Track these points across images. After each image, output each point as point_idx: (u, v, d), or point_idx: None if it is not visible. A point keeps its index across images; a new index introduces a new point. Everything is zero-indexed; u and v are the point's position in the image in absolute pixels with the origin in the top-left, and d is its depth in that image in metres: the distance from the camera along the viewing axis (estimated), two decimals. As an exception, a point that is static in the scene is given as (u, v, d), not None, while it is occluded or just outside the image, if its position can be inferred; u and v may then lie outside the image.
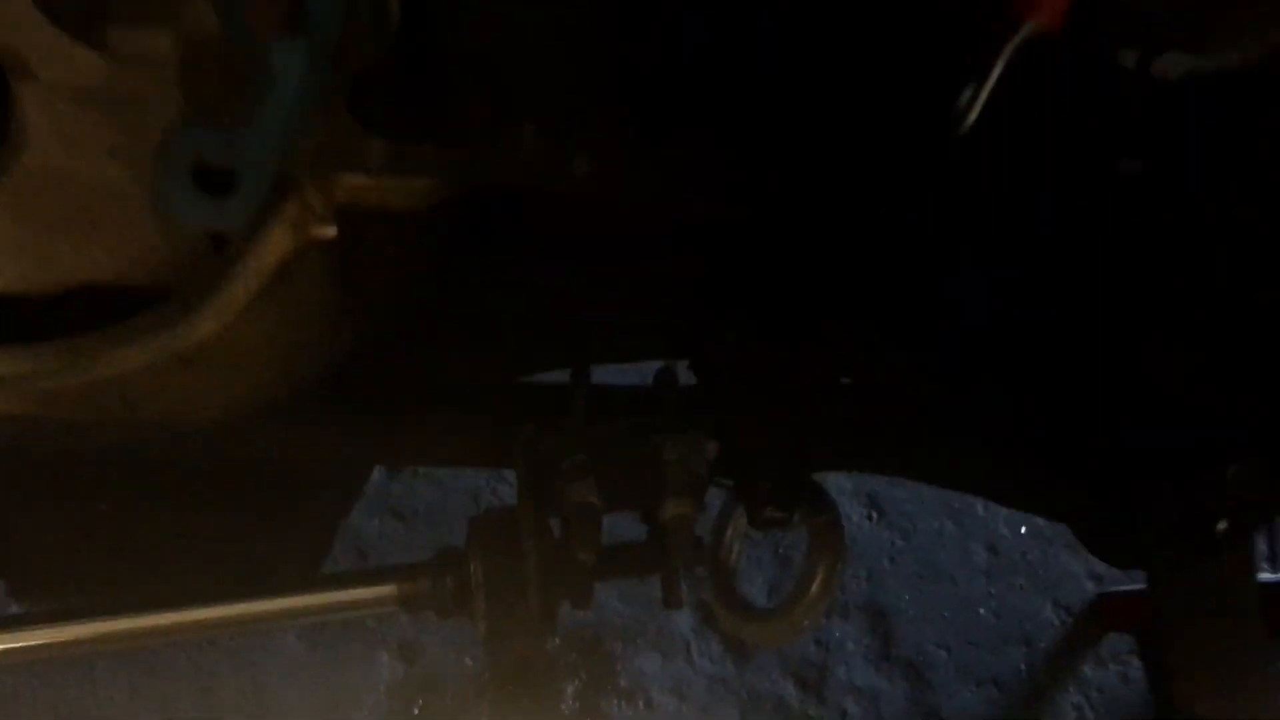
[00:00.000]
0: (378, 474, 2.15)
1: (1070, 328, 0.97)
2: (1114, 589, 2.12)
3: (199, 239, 0.65)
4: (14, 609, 1.13)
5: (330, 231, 0.64)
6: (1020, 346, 0.99)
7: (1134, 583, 2.13)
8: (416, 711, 1.96)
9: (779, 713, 2.07)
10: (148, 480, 1.07)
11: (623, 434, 1.01)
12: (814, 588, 1.14)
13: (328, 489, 1.18)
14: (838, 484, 2.23)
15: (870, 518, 2.28)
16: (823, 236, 0.94)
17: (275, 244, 0.63)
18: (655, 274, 1.02)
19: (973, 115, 0.74)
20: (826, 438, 1.07)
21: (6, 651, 0.97)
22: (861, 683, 2.04)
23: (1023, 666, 2.06)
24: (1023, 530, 2.28)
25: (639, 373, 1.11)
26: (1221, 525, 1.00)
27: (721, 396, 1.03)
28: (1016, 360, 0.99)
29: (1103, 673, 2.08)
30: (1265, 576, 1.75)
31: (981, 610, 2.14)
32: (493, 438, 1.03)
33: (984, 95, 0.72)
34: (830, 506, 1.08)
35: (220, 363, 0.73)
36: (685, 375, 1.09)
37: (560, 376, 1.08)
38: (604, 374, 1.08)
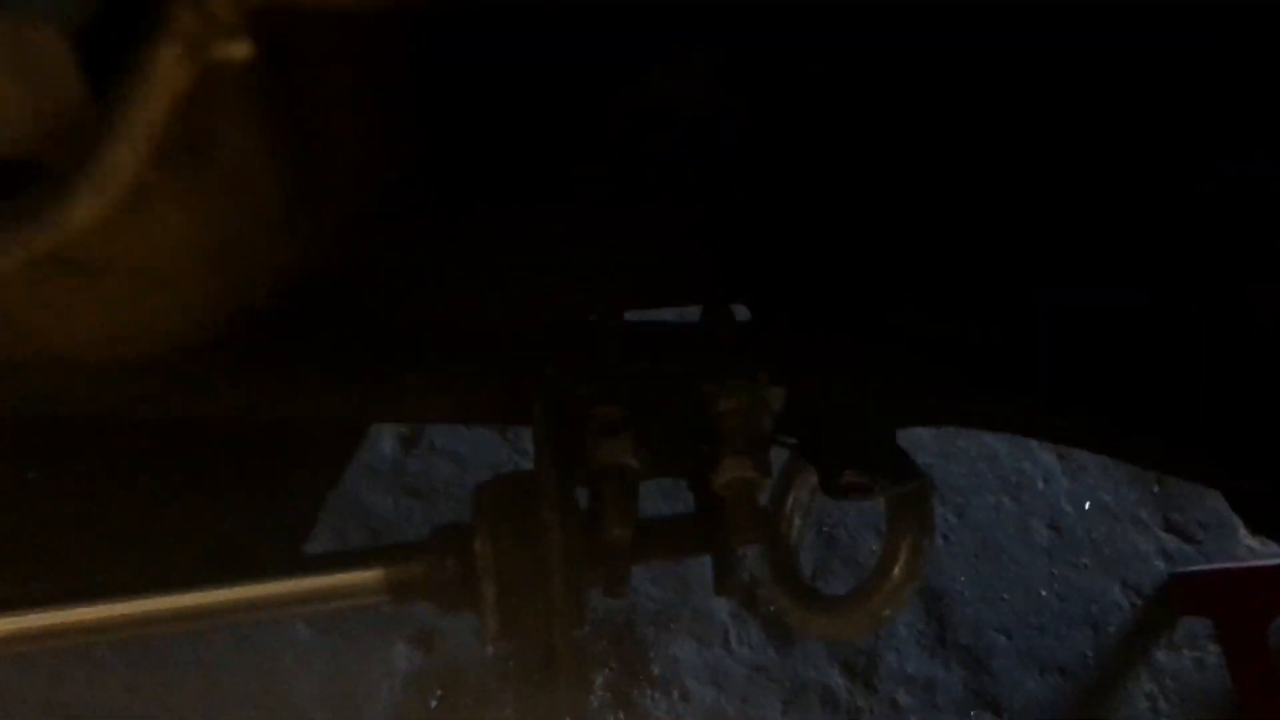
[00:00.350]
0: (390, 447, 2.03)
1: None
2: (1188, 569, 2.06)
3: (69, 85, 0.45)
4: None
5: (242, 50, 0.43)
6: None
7: (1209, 561, 2.08)
8: (435, 704, 1.81)
9: (825, 704, 1.96)
10: (90, 443, 0.88)
11: (666, 379, 0.80)
12: (897, 570, 0.94)
13: (310, 454, 0.99)
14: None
15: None
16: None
17: (165, 74, 0.42)
18: (706, 192, 0.81)
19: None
20: (919, 385, 0.86)
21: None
22: (915, 671, 1.95)
23: (1089, 653, 1.99)
24: (1087, 505, 2.18)
25: (682, 317, 0.91)
26: None
27: (787, 335, 0.83)
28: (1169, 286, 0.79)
29: (1177, 659, 1.98)
30: None
31: (1044, 592, 2.06)
32: (505, 387, 0.83)
33: None
34: (918, 472, 0.88)
35: (122, 269, 0.53)
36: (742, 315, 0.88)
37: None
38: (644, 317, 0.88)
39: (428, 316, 0.82)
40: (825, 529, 2.09)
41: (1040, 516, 2.16)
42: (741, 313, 0.88)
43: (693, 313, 0.89)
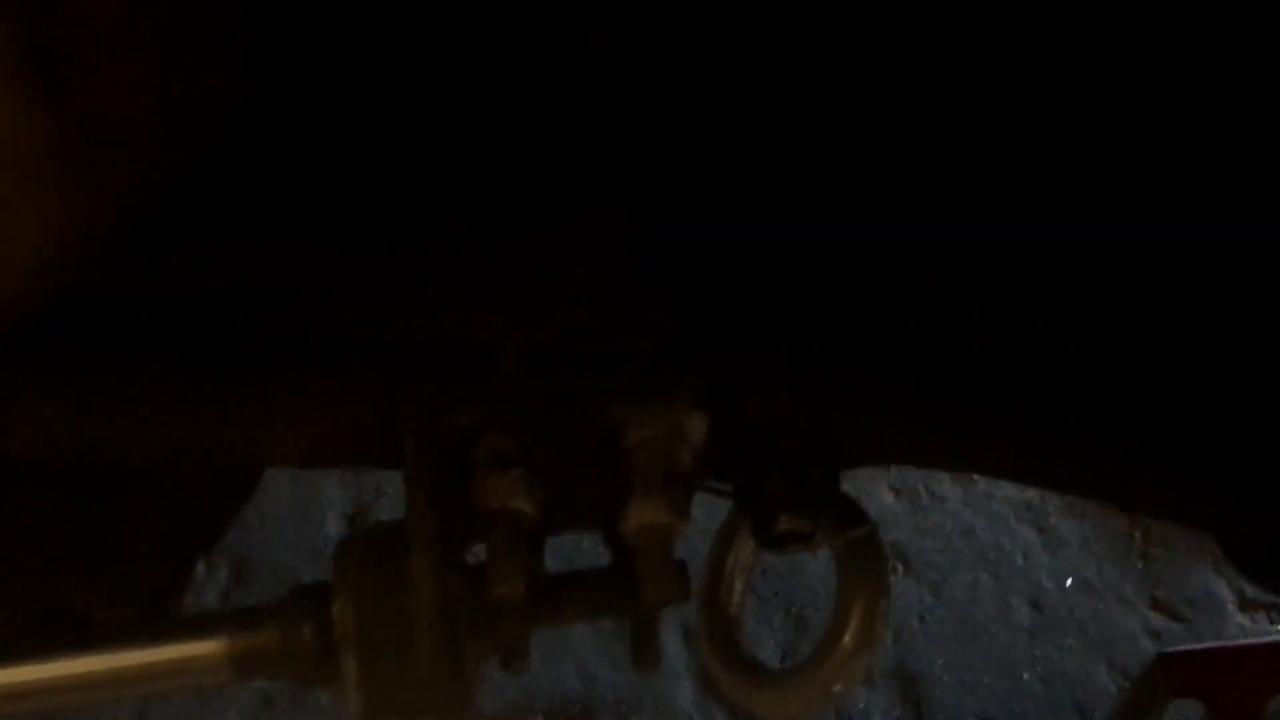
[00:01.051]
0: (335, 527, 1.94)
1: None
2: (1177, 648, 1.99)
3: None
4: None
5: None
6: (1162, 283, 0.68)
7: (1198, 640, 2.01)
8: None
9: (795, 800, 1.81)
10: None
11: (567, 403, 0.67)
12: (848, 637, 0.81)
13: (180, 504, 0.85)
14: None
15: (895, 571, 2.19)
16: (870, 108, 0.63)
17: None
18: (631, 181, 0.71)
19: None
20: (867, 413, 0.73)
21: None
22: (891, 762, 1.87)
23: (1077, 741, 1.94)
24: (1069, 582, 2.16)
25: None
26: None
27: (714, 351, 0.70)
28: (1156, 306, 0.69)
29: (1169, 745, 1.93)
30: None
31: (1026, 675, 1.99)
32: (377, 416, 0.70)
33: None
34: (866, 518, 0.75)
35: None
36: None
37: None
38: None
39: (282, 328, 0.69)
40: (794, 609, 2.03)
41: (1020, 594, 2.14)
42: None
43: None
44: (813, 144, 0.70)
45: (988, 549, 2.18)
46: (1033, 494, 2.22)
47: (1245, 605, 2.12)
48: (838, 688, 0.83)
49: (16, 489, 0.77)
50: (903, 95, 0.68)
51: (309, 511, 2.03)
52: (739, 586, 0.91)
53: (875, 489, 2.20)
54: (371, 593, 0.66)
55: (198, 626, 0.68)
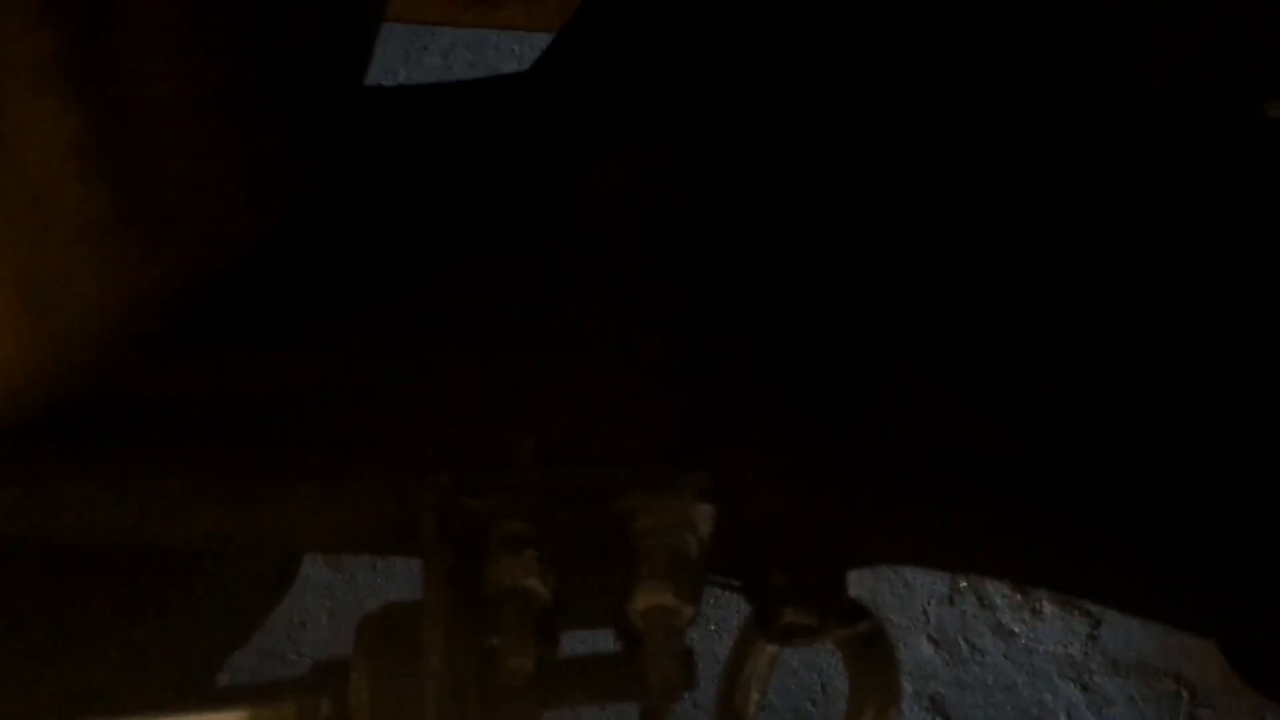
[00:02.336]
0: None
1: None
2: None
3: None
4: None
5: None
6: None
7: None
8: None
9: None
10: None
11: (578, 493, 0.71)
12: (859, 742, 0.81)
13: (217, 595, 0.89)
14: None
15: None
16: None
17: None
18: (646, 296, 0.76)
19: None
20: (868, 508, 0.76)
21: None
22: None
23: None
24: None
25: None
26: None
27: (718, 444, 0.74)
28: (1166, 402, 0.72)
29: None
30: None
31: None
32: (397, 506, 0.74)
33: None
34: (869, 614, 0.77)
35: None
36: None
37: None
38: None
39: (309, 422, 0.74)
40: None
41: None
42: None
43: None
44: (803, 256, 0.76)
45: (1029, 705, 2.11)
46: (1075, 649, 2.17)
47: (1295, 771, 2.04)
48: (849, 797, 0.83)
49: (53, 572, 0.81)
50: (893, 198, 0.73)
51: (345, 649, 2.05)
52: (755, 695, 0.92)
53: (914, 640, 2.16)
54: (386, 666, 0.69)
55: (219, 699, 0.71)
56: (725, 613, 1.99)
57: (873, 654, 0.80)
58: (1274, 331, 0.79)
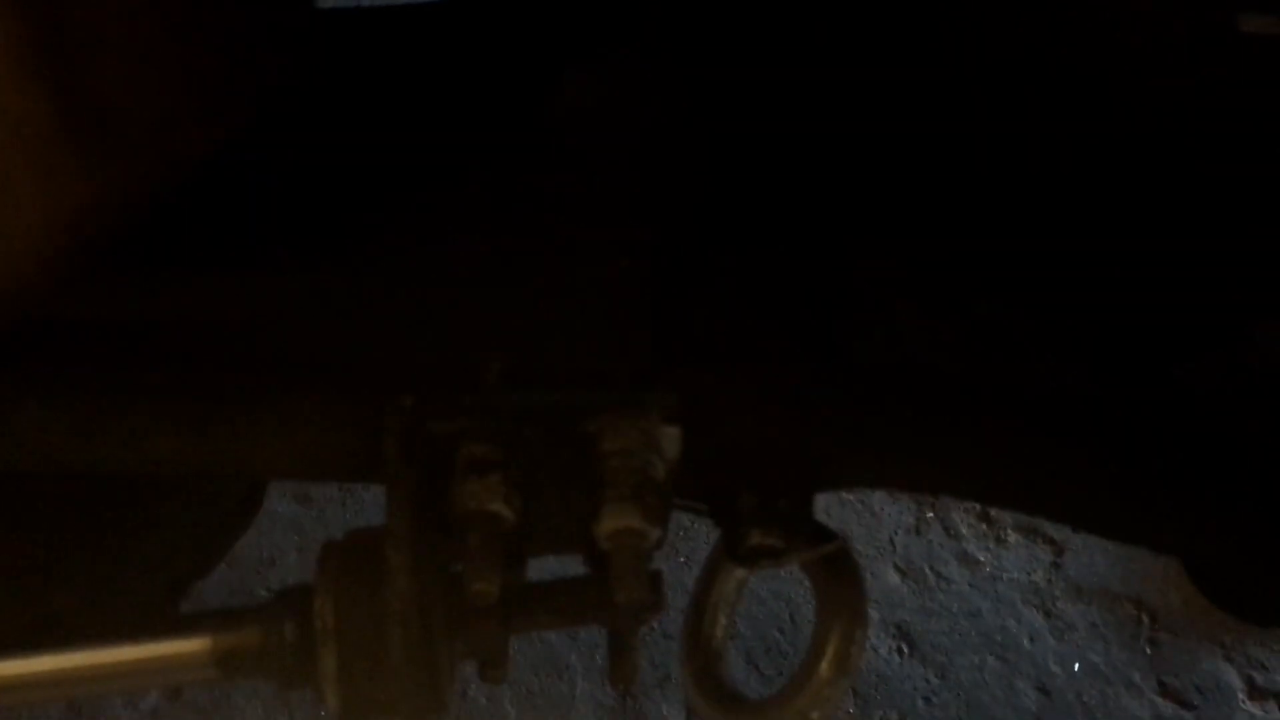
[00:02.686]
0: None
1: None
2: None
3: None
4: None
5: None
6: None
7: None
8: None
9: None
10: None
11: (545, 415, 0.70)
12: (824, 665, 0.81)
13: (178, 523, 0.87)
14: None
15: (900, 652, 2.12)
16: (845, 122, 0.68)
17: None
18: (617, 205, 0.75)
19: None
20: (836, 429, 0.76)
21: None
22: None
23: (1084, 830, 1.87)
24: (1076, 667, 2.13)
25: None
26: None
27: (688, 366, 0.73)
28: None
29: (1178, 838, 1.87)
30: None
31: None
32: (362, 430, 0.72)
33: None
34: (835, 535, 0.77)
35: None
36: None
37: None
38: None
39: (272, 346, 0.72)
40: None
41: (1027, 678, 2.09)
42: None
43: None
44: (777, 181, 0.74)
45: (994, 631, 2.14)
46: (1039, 577, 2.20)
47: (1254, 694, 2.09)
48: (814, 715, 0.83)
49: (15, 500, 0.80)
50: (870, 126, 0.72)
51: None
52: (723, 620, 0.92)
53: (881, 569, 2.18)
54: (350, 591, 0.68)
55: (181, 625, 0.70)
56: (694, 544, 2.00)
57: (839, 575, 0.80)
58: (1242, 251, 0.79)
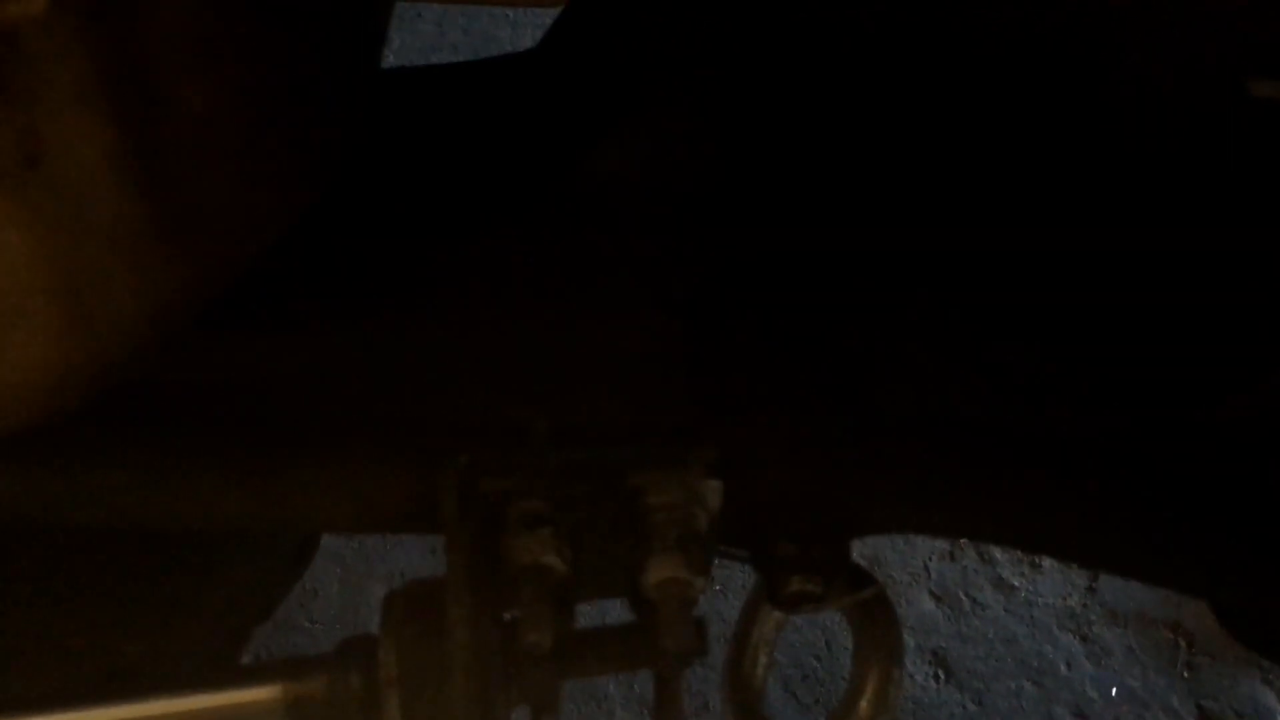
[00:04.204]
0: None
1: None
2: None
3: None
4: None
5: (36, 4, 0.39)
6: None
7: None
8: None
9: None
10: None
11: (592, 472, 0.74)
12: (864, 703, 0.84)
13: (237, 575, 0.91)
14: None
15: (936, 678, 2.12)
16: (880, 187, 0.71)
17: None
18: (654, 272, 0.79)
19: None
20: (870, 480, 0.79)
21: None
22: None
23: None
24: (1114, 692, 2.13)
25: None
26: None
27: (724, 419, 0.77)
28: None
29: None
30: None
31: None
32: (415, 486, 0.76)
33: None
34: (872, 579, 0.80)
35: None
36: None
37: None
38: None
39: (330, 406, 0.76)
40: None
41: (1065, 704, 2.09)
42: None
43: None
44: (801, 229, 0.78)
45: (1030, 657, 2.14)
46: (1075, 602, 2.21)
47: (1294, 714, 2.08)
48: (854, 755, 0.86)
49: (88, 555, 0.84)
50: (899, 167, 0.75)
51: (358, 614, 2.08)
52: (763, 659, 0.95)
53: (916, 595, 2.19)
54: (412, 640, 0.72)
55: (252, 675, 0.74)
56: (730, 574, 2.02)
57: (876, 617, 0.83)
58: (1263, 299, 0.81)
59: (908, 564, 2.21)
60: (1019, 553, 2.22)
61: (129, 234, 0.51)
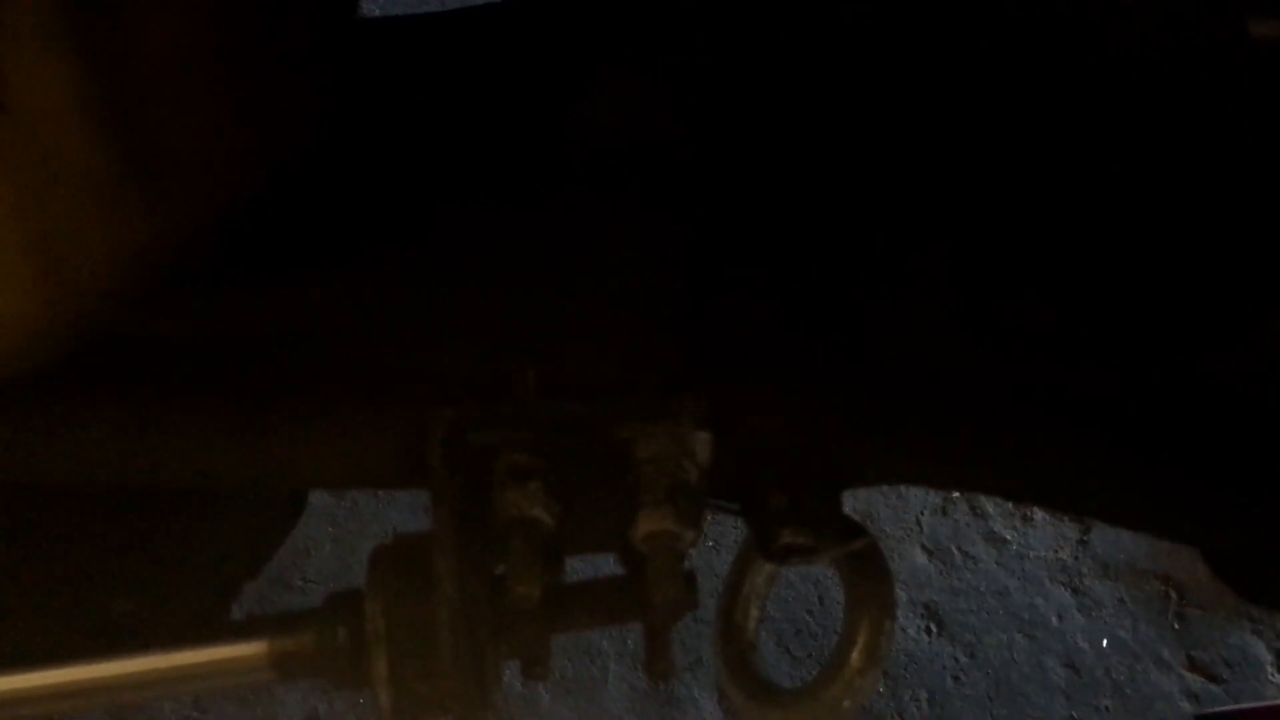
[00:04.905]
0: None
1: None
2: (1215, 709, 2.00)
3: None
4: None
5: None
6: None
7: (1236, 701, 2.01)
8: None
9: None
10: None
11: (581, 424, 0.73)
12: (855, 655, 0.84)
13: (228, 530, 0.91)
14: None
15: (929, 631, 2.14)
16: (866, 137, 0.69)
17: None
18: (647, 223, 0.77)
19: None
20: (864, 431, 0.78)
21: None
22: (926, 825, 1.84)
23: (1118, 805, 1.89)
24: (1104, 643, 2.13)
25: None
26: None
27: (717, 372, 0.76)
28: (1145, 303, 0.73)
29: (1209, 810, 1.90)
30: None
31: None
32: (405, 441, 0.75)
33: None
34: (864, 531, 0.79)
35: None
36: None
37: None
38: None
39: (317, 360, 0.75)
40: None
41: (1056, 655, 2.10)
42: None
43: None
44: (800, 183, 0.77)
45: (1022, 610, 2.15)
46: (1066, 555, 2.21)
47: (1284, 665, 2.09)
48: (846, 704, 0.86)
49: (76, 512, 0.83)
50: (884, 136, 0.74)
51: (350, 572, 2.08)
52: (755, 611, 0.95)
53: (908, 550, 2.20)
54: (400, 595, 0.71)
55: (240, 631, 0.73)
56: (722, 529, 2.02)
57: (868, 569, 0.82)
58: (1257, 246, 0.80)
59: (900, 519, 2.22)
60: (1011, 506, 2.22)
61: (100, 181, 0.50)
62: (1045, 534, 2.22)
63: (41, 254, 0.52)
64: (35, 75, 0.45)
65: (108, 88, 0.47)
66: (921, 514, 2.24)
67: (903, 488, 2.23)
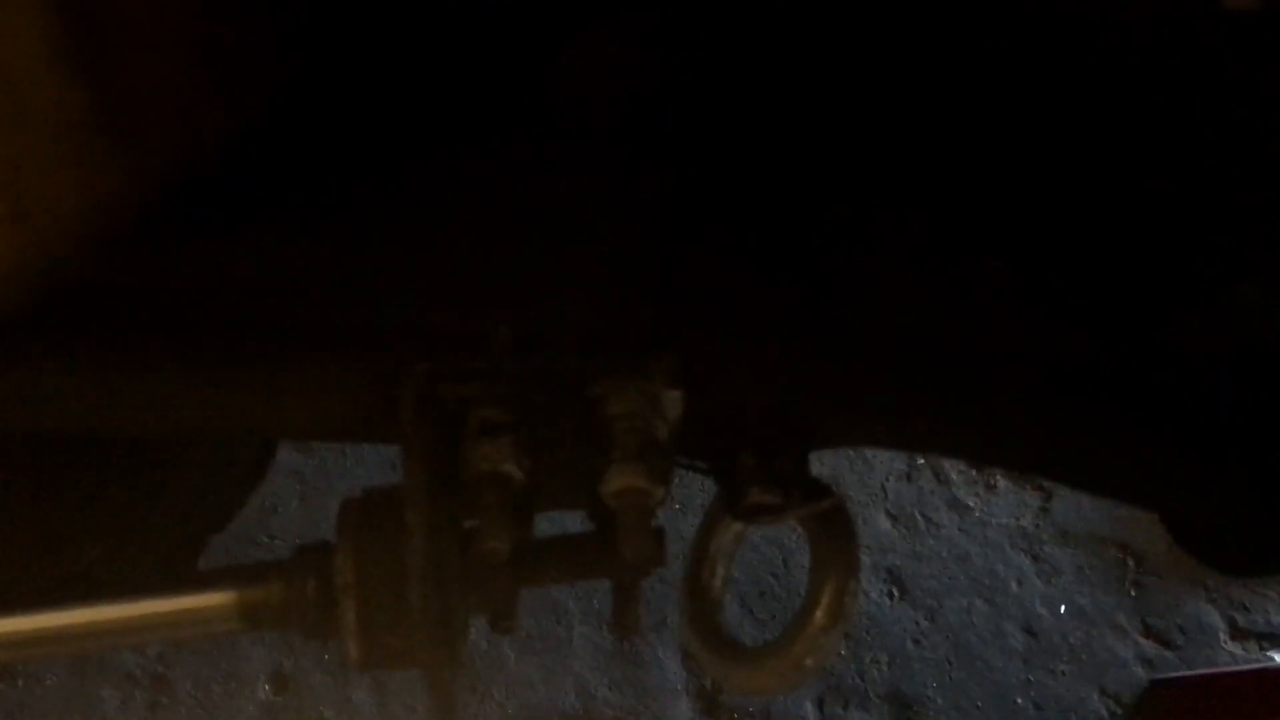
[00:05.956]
0: None
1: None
2: (1168, 675, 2.00)
3: None
4: None
5: None
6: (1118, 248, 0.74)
7: (1189, 667, 2.03)
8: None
9: (792, 821, 1.85)
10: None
11: (553, 380, 0.73)
12: (819, 613, 0.85)
13: (185, 482, 0.90)
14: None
15: (891, 595, 2.16)
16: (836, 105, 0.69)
17: None
18: (619, 174, 0.77)
19: None
20: (833, 392, 0.79)
21: None
22: (884, 785, 1.88)
23: (1070, 765, 1.93)
24: (1062, 609, 2.16)
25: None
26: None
27: (689, 331, 0.76)
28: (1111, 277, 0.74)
29: (1162, 772, 1.93)
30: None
31: (1020, 699, 2.01)
32: (377, 393, 0.75)
33: None
34: (831, 491, 0.80)
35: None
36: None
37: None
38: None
39: (289, 311, 0.75)
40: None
41: (1015, 620, 2.13)
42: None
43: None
44: (772, 144, 0.77)
45: (982, 575, 2.17)
46: (1028, 522, 2.24)
47: (1236, 634, 2.13)
48: (809, 662, 0.87)
49: (43, 461, 0.82)
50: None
51: (317, 530, 2.08)
52: (721, 570, 0.95)
53: (872, 515, 2.22)
54: (369, 547, 0.71)
55: (207, 580, 0.73)
56: (689, 491, 2.03)
57: (833, 529, 0.83)
58: (1222, 213, 0.81)
59: (865, 484, 2.23)
60: (974, 474, 2.24)
61: (70, 123, 0.50)
62: (1007, 501, 2.24)
63: (10, 198, 0.51)
64: (4, 20, 0.44)
65: (78, 32, 0.46)
66: (887, 480, 2.26)
67: (868, 454, 2.25)
